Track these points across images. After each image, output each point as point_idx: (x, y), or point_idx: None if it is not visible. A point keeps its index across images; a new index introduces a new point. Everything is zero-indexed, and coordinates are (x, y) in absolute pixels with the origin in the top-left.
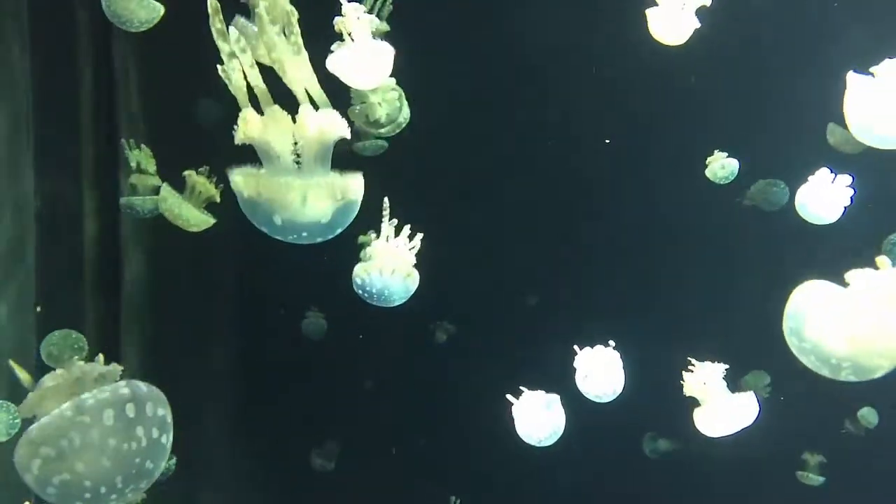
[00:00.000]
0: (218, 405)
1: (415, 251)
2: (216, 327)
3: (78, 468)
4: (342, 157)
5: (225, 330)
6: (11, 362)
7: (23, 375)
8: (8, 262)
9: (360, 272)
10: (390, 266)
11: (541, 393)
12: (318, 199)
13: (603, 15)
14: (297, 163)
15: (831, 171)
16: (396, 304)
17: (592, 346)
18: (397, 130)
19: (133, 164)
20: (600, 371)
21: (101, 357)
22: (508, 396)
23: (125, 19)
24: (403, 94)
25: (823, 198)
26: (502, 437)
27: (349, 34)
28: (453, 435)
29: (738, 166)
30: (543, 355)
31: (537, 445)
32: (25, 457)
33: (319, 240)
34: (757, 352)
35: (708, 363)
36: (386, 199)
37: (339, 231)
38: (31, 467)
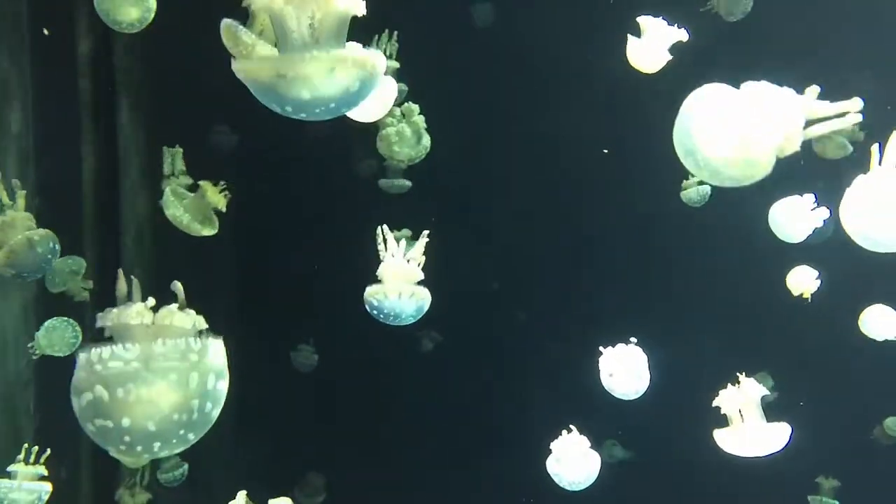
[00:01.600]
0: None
1: (420, 263)
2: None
3: (123, 423)
4: (368, 194)
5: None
6: (120, 272)
7: (120, 285)
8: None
9: (376, 294)
10: (409, 290)
11: (584, 439)
12: (345, 70)
13: (590, 45)
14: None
15: (815, 199)
16: (407, 323)
17: (614, 346)
18: (423, 154)
19: (167, 171)
20: (626, 370)
21: (182, 294)
22: (560, 436)
23: (120, 20)
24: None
25: (797, 220)
26: (506, 460)
27: None
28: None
29: (709, 191)
30: (542, 372)
31: (566, 488)
32: (83, 383)
33: (344, 110)
34: (756, 357)
35: (752, 381)
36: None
37: (361, 102)
38: (81, 399)
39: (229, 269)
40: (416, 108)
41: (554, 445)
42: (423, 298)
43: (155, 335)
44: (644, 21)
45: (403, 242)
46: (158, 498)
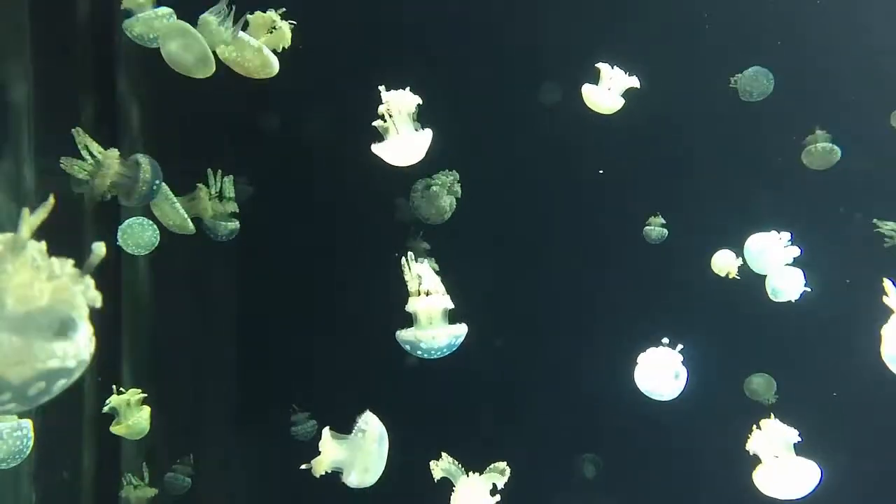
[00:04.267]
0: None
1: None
2: (214, 342)
3: None
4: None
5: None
6: (24, 211)
7: (24, 230)
8: None
9: (424, 338)
10: (453, 332)
11: None
12: None
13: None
14: None
15: (791, 238)
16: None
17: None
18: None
19: (214, 191)
20: (663, 371)
21: (97, 261)
22: None
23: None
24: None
25: (770, 253)
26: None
27: (391, 118)
28: None
29: (667, 233)
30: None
31: None
32: None
33: None
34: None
35: (780, 423)
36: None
37: None
38: None
39: (231, 278)
40: (454, 173)
41: None
42: (461, 334)
43: (29, 302)
44: (602, 67)
45: (430, 270)
46: (162, 495)
